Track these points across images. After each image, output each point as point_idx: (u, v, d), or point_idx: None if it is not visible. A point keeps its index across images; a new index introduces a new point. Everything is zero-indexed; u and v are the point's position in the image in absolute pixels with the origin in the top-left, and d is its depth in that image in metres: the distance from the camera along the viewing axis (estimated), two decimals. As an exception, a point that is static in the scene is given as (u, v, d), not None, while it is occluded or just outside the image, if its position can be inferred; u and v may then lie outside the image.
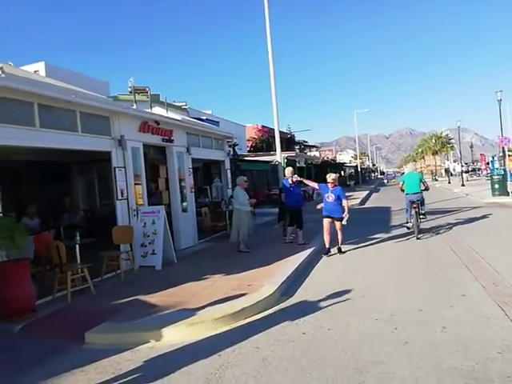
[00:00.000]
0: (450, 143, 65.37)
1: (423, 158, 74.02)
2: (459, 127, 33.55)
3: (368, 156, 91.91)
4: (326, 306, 4.93)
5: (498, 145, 20.90)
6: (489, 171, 31.79)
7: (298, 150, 47.18)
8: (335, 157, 69.43)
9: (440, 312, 4.55)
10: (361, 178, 51.42)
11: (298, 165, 31.32)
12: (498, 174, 18.94)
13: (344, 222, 8.11)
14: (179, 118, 9.90)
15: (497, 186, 18.24)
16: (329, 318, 4.57)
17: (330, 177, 8.25)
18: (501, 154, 22.61)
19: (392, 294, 5.35)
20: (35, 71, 24.66)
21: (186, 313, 4.72)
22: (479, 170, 48.11)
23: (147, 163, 11.39)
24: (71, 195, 13.38)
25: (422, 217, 9.87)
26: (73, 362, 3.80)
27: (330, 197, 8.03)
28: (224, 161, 12.34)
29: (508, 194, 17.63)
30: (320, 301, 5.13)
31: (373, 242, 9.31)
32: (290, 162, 30.07)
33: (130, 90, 25.69)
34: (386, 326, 4.25)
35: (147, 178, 10.56)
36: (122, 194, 7.48)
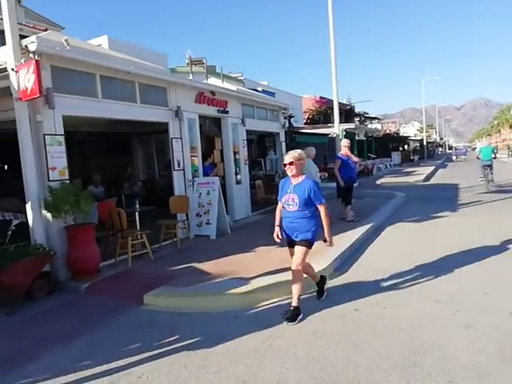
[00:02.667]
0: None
1: (499, 131, 67.64)
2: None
3: (435, 129, 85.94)
4: (380, 284, 4.74)
5: None
6: None
7: (357, 122, 45.32)
8: (398, 129, 65.73)
9: (508, 297, 4.16)
10: (426, 152, 48.41)
11: (357, 138, 30.15)
12: None
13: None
14: (234, 89, 9.81)
15: None
16: (384, 296, 4.38)
17: (289, 156, 3.97)
18: None
19: (454, 274, 4.99)
20: (98, 45, 25.79)
21: (239, 282, 4.78)
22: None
23: (202, 135, 11.63)
24: (132, 166, 14.08)
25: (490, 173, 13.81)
26: (132, 321, 4.04)
27: (290, 199, 4.01)
28: (279, 133, 12.14)
29: None
30: (375, 278, 4.94)
31: (436, 220, 8.73)
32: (349, 135, 29.02)
33: (187, 61, 26.07)
34: (447, 307, 3.98)
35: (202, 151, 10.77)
36: (178, 164, 7.66)
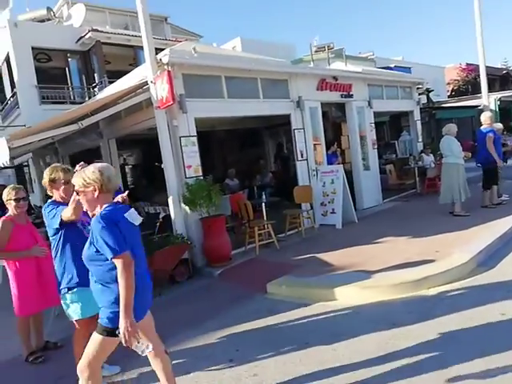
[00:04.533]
0: None
1: None
2: None
3: None
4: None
5: None
6: None
7: (518, 88, 38.13)
8: None
9: None
10: None
11: (516, 107, 25.40)
12: None
13: None
14: (359, 70, 9.31)
15: None
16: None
17: (75, 179, 2.41)
18: None
19: None
20: (233, 47, 27.61)
21: (362, 275, 4.59)
22: None
23: (329, 122, 11.40)
24: (264, 158, 14.76)
25: None
26: (255, 308, 4.27)
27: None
28: (413, 111, 11.05)
29: None
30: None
31: None
32: (506, 105, 24.63)
33: (314, 49, 25.82)
34: None
35: (330, 138, 10.57)
36: (301, 154, 7.69)
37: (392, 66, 24.70)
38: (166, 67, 5.74)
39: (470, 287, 4.12)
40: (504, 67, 39.07)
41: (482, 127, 7.70)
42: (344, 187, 7.50)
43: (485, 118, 7.70)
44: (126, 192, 5.09)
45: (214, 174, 12.77)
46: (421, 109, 17.77)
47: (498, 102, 22.52)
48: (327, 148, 8.34)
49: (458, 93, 32.57)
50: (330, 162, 8.21)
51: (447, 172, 7.16)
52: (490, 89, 35.39)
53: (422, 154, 10.12)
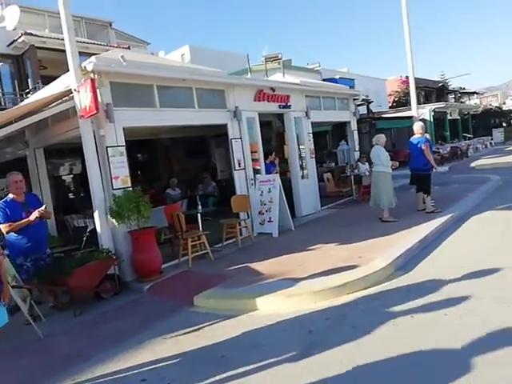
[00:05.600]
0: None
1: None
2: None
3: (552, 98, 73.87)
4: (448, 287, 4.18)
5: None
6: None
7: (452, 100, 41.03)
8: (502, 103, 57.83)
9: None
10: (538, 126, 41.85)
11: (449, 117, 27.34)
12: None
13: None
14: (297, 81, 9.56)
15: None
16: (448, 301, 3.86)
17: None
18: None
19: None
20: (182, 55, 27.40)
21: (288, 283, 4.65)
22: None
23: (273, 132, 11.58)
24: (210, 167, 14.69)
25: None
26: (179, 323, 4.17)
27: None
28: (350, 121, 11.52)
29: None
30: (442, 280, 4.38)
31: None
32: (440, 115, 26.43)
33: (262, 59, 26.20)
34: (525, 318, 3.35)
35: (274, 147, 10.72)
36: (239, 164, 7.73)
37: (337, 77, 25.70)
38: (91, 75, 5.56)
39: (385, 291, 4.30)
40: (440, 80, 41.96)
41: (414, 136, 8.14)
42: (281, 196, 7.62)
43: (417, 127, 8.13)
44: (44, 206, 4.84)
45: (160, 183, 12.63)
46: (362, 119, 18.66)
47: (433, 113, 24.10)
48: (265, 157, 8.44)
49: (398, 104, 34.42)
50: (268, 171, 8.32)
51: (376, 180, 7.51)
52: (428, 100, 37.77)
53: (358, 163, 10.55)
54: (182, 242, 6.22)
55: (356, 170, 10.45)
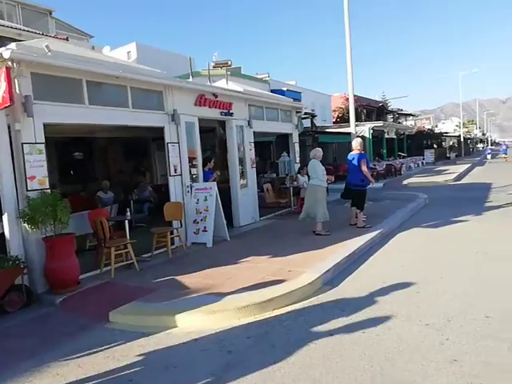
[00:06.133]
0: None
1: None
2: None
3: (476, 124, 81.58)
4: (368, 303, 4.24)
5: None
6: None
7: (391, 120, 43.59)
8: (435, 126, 62.65)
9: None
10: (464, 149, 45.87)
11: (386, 136, 28.92)
12: None
13: None
14: (240, 90, 9.49)
15: None
16: (368, 317, 3.90)
17: None
18: None
19: (458, 293, 4.40)
20: (128, 52, 26.38)
21: (213, 298, 4.46)
22: None
23: (217, 138, 11.38)
24: (150, 171, 14.13)
25: None
26: (91, 342, 3.79)
27: None
28: (292, 133, 11.69)
29: None
30: (365, 295, 4.46)
31: (454, 225, 7.98)
32: (378, 133, 27.87)
33: (212, 64, 26.00)
34: (436, 334, 3.45)
35: (218, 155, 10.54)
36: (175, 170, 7.44)
37: (284, 89, 26.19)
38: (9, 63, 5.01)
39: (310, 307, 4.26)
40: (381, 100, 44.49)
41: (352, 152, 8.35)
42: (217, 205, 7.43)
43: (355, 144, 8.35)
44: None
45: (95, 185, 11.81)
46: (305, 132, 19.07)
47: (372, 131, 25.33)
48: (204, 164, 8.21)
49: (342, 120, 35.87)
50: (206, 179, 8.09)
51: (311, 193, 7.60)
52: (369, 118, 39.70)
53: (298, 175, 10.68)
54: (105, 251, 5.79)
55: (295, 182, 10.56)
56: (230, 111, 8.95)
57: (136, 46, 26.66)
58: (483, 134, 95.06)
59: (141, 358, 3.44)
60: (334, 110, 37.54)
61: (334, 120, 36.27)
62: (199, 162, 8.04)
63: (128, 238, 6.18)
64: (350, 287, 4.80)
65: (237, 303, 4.24)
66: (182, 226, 7.21)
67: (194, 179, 7.82)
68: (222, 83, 10.04)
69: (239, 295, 4.48)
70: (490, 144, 75.58)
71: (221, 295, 4.51)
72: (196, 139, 7.99)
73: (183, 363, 3.31)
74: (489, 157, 34.45)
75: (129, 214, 6.44)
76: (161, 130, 7.35)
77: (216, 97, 8.50)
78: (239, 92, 9.32)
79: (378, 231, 7.42)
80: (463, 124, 67.52)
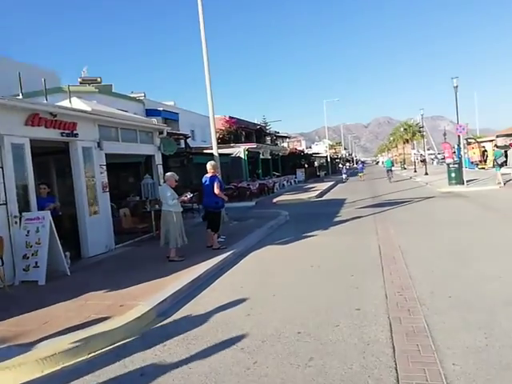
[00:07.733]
0: (420, 131, 65.43)
1: (396, 146, 74.31)
2: (422, 115, 33.58)
3: (342, 145, 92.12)
4: (194, 331, 4.09)
5: (455, 133, 20.46)
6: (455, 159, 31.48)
7: (269, 141, 46.26)
8: (309, 147, 68.86)
9: (320, 334, 3.77)
10: (331, 168, 51.09)
11: (261, 156, 30.50)
12: (454, 163, 18.57)
13: None
14: (88, 109, 8.81)
15: (453, 174, 17.93)
16: (187, 347, 3.74)
17: None
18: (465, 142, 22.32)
19: (283, 309, 4.55)
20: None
21: (16, 350, 3.78)
22: (443, 158, 47.99)
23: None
24: None
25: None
26: None
27: None
28: (154, 155, 11.31)
29: (463, 183, 17.26)
30: (192, 327, 4.24)
31: (303, 240, 8.52)
32: (254, 155, 29.20)
33: (79, 80, 24.10)
34: (247, 358, 3.43)
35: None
36: (-3, 198, 6.41)
37: (160, 109, 25.72)
38: None
39: (130, 346, 3.90)
40: (260, 123, 46.95)
41: (206, 175, 8.33)
42: (52, 236, 6.59)
43: (209, 166, 8.36)
44: None
45: None
46: (180, 153, 18.81)
47: (247, 152, 26.41)
48: (37, 191, 7.27)
49: (223, 141, 36.72)
50: (41, 207, 7.16)
51: (164, 219, 7.32)
52: (249, 140, 41.31)
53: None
54: None
55: (157, 206, 10.14)
56: (74, 132, 8.19)
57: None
58: (349, 154, 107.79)
59: None
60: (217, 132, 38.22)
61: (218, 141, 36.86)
62: (31, 188, 7.09)
63: None
64: (183, 317, 4.60)
65: (40, 353, 3.66)
66: (2, 264, 6.16)
67: (24, 208, 6.85)
68: (65, 102, 9.19)
69: (47, 342, 3.89)
70: (355, 163, 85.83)
71: (24, 346, 3.84)
72: (28, 163, 7.05)
73: None
74: (344, 176, 32.40)
75: None
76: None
77: (55, 116, 7.70)
78: (85, 111, 8.63)
79: (231, 252, 7.47)
80: (332, 145, 75.70)
